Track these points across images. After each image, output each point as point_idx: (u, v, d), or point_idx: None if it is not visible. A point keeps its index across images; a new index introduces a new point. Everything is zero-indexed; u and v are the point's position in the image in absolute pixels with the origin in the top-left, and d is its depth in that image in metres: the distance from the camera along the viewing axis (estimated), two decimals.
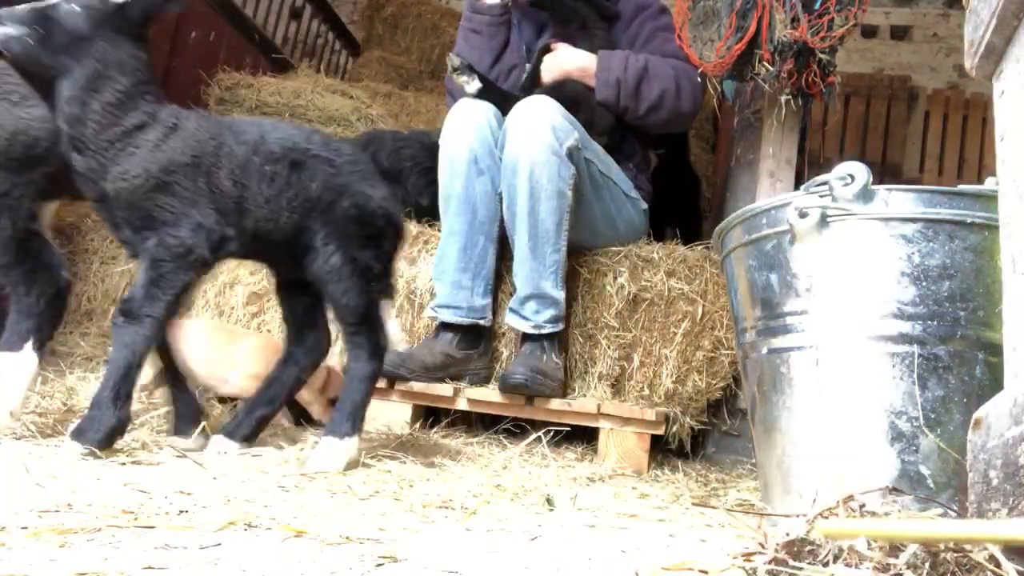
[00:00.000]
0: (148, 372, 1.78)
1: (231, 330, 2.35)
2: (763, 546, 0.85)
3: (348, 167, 1.69)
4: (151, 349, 1.56)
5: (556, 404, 2.31)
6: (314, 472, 1.50)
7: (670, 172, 3.35)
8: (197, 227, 1.50)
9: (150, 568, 0.80)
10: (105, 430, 1.43)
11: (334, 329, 1.81)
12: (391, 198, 1.75)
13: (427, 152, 2.85)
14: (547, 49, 2.64)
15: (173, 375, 1.74)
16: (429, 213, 2.73)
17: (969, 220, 1.32)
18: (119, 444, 1.49)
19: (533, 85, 2.61)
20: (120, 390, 1.45)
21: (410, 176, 2.89)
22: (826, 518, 0.87)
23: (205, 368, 2.06)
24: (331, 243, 1.63)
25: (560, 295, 2.35)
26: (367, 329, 1.67)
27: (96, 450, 1.40)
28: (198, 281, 1.57)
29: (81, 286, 2.79)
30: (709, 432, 2.63)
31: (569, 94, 2.50)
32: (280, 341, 2.00)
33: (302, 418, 2.20)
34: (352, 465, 1.61)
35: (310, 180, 1.62)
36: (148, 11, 1.51)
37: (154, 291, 1.47)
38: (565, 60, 2.60)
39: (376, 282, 1.68)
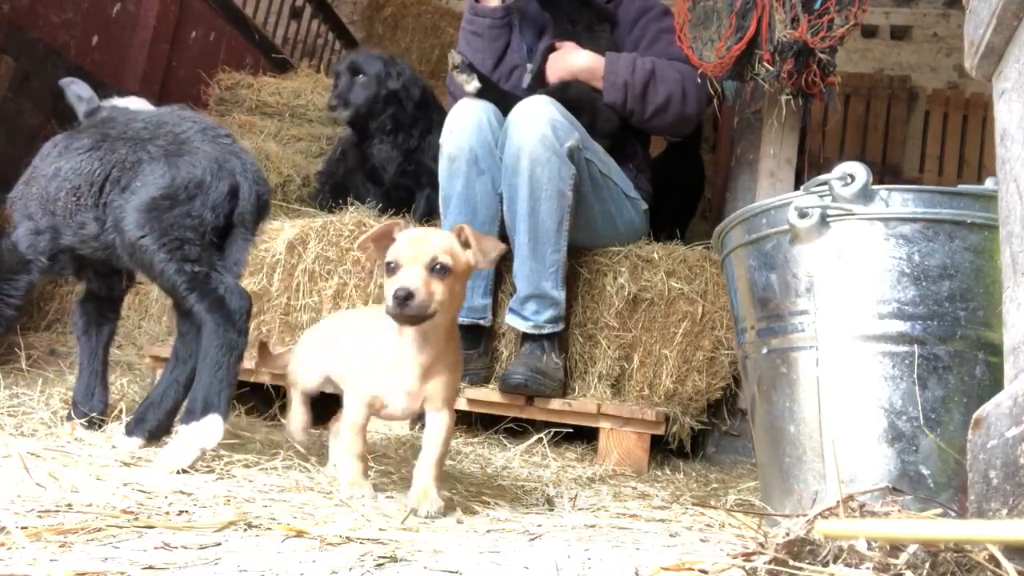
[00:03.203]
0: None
1: None
2: (763, 546, 0.85)
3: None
4: None
5: (556, 404, 2.31)
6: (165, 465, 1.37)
7: (679, 159, 3.44)
8: None
9: (150, 568, 0.80)
10: None
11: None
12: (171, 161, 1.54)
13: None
14: (552, 48, 2.63)
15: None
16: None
17: (969, 220, 1.32)
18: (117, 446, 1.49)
19: (539, 83, 2.60)
20: None
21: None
22: (826, 518, 0.87)
23: None
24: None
25: (560, 295, 2.35)
26: (198, 296, 1.50)
27: None
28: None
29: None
30: (709, 432, 2.63)
31: (574, 96, 2.50)
32: None
33: None
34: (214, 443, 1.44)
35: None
36: None
37: None
38: (571, 60, 2.59)
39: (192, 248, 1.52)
